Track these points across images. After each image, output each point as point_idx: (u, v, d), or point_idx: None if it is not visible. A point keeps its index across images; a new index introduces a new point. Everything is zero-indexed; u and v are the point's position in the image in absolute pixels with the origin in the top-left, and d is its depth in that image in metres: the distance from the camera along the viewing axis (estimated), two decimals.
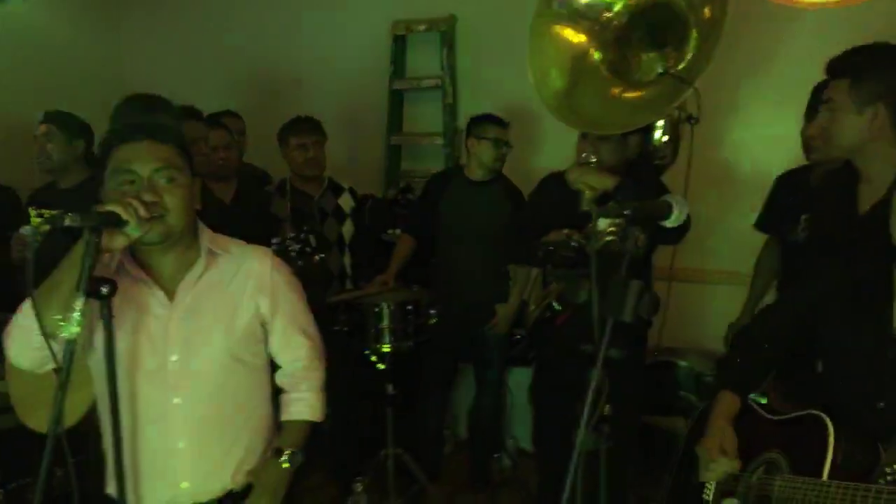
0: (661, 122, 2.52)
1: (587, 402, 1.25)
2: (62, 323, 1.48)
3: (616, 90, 2.47)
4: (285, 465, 1.88)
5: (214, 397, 1.82)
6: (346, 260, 3.64)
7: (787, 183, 2.87)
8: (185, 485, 1.81)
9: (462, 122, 3.96)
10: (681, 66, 2.33)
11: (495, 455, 3.96)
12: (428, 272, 3.78)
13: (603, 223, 2.41)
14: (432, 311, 3.41)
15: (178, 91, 2.77)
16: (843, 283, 1.68)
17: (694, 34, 2.34)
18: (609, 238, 2.38)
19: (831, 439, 1.48)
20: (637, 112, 2.46)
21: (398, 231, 3.93)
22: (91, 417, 2.01)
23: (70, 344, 1.47)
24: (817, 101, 2.33)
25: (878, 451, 1.51)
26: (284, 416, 1.98)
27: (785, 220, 2.70)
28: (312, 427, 1.98)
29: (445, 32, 4.20)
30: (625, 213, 1.27)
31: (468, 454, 3.93)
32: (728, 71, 3.39)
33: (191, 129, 2.87)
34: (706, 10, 2.31)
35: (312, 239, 2.58)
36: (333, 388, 2.10)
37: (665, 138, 2.55)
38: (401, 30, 4.33)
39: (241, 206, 3.41)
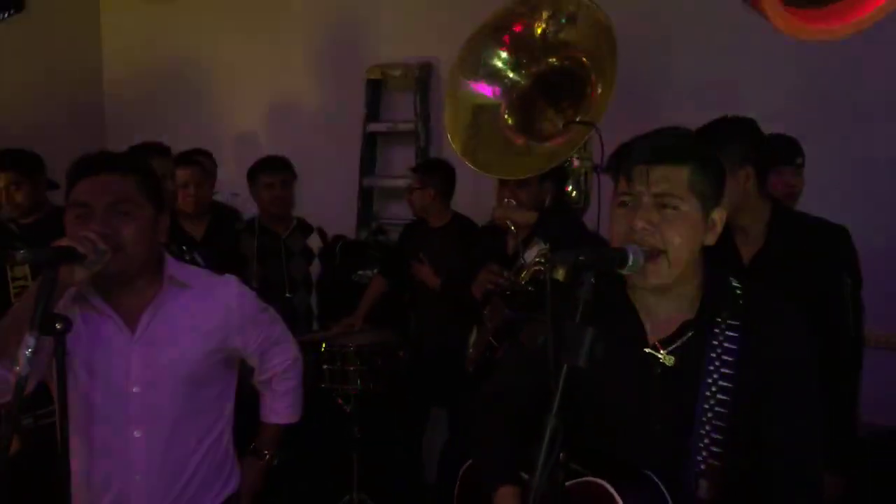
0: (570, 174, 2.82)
1: (543, 446, 1.23)
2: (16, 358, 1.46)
3: (521, 142, 2.82)
4: (262, 463, 2.06)
5: (175, 430, 1.79)
6: (313, 300, 3.63)
7: None
8: None
9: None
10: (580, 116, 2.66)
11: None
12: (399, 315, 3.76)
13: (531, 254, 2.47)
14: (402, 354, 3.39)
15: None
16: None
17: (590, 88, 2.65)
18: (537, 268, 2.45)
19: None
20: (543, 159, 2.75)
21: (369, 272, 3.92)
22: None
23: (20, 380, 1.45)
24: None
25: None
26: (262, 418, 2.09)
27: None
28: (287, 428, 2.11)
29: (420, 78, 4.24)
30: (579, 258, 1.27)
31: (436, 499, 3.87)
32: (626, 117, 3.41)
33: (157, 166, 2.86)
34: (601, 65, 2.62)
35: (198, 258, 2.56)
36: (297, 432, 2.10)
37: (574, 190, 2.81)
38: (375, 74, 4.37)
39: (211, 244, 3.38)
